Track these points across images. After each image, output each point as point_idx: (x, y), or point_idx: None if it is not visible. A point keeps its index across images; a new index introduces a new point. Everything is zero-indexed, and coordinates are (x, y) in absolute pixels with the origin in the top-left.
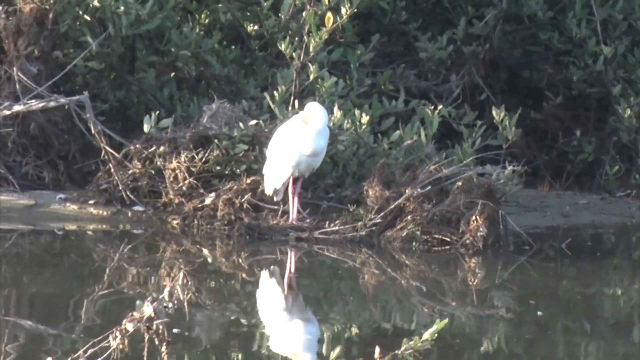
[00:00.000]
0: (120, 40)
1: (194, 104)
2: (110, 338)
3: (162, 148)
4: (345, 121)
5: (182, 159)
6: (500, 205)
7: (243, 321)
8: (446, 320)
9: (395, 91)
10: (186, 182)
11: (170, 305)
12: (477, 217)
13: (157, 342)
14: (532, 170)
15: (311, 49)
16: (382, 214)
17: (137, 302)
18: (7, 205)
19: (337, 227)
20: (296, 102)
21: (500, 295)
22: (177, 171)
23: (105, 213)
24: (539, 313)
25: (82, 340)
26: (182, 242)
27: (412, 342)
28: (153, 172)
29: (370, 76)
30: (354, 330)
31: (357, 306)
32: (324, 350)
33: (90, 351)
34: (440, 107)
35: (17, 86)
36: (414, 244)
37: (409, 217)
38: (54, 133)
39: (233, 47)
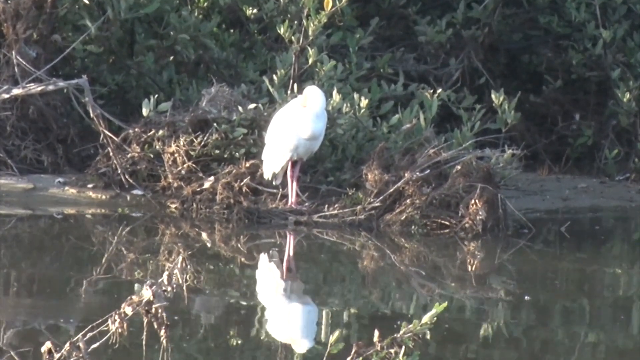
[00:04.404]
0: (119, 24)
1: (193, 88)
2: (110, 322)
3: (161, 132)
4: (344, 105)
5: (181, 143)
6: (499, 189)
7: (242, 305)
8: (445, 304)
9: (394, 75)
10: (185, 165)
11: (169, 289)
12: (476, 201)
13: (155, 326)
14: (531, 154)
15: (310, 32)
16: (381, 197)
17: (136, 285)
18: (6, 189)
19: (336, 211)
20: (295, 85)
21: (499, 278)
22: (176, 155)
23: (104, 197)
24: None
25: (81, 324)
26: (181, 226)
27: (411, 326)
28: (152, 155)
29: (370, 60)
30: (353, 314)
31: (356, 290)
32: (322, 334)
33: (89, 335)
34: (439, 90)
35: (16, 70)
36: (413, 227)
37: (408, 201)
38: (53, 117)
39: (232, 30)
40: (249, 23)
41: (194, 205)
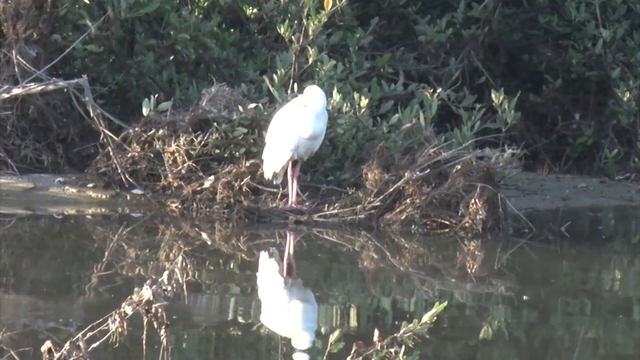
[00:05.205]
0: (119, 24)
1: (193, 87)
2: (110, 321)
3: (161, 131)
4: (345, 104)
5: (181, 142)
6: (499, 189)
7: (242, 305)
8: (445, 303)
9: (394, 74)
10: (185, 165)
11: (169, 288)
12: (477, 200)
13: (155, 326)
14: (531, 153)
15: (310, 32)
16: (381, 197)
17: (135, 289)
18: (6, 189)
19: (336, 210)
20: (295, 85)
21: (499, 278)
22: (176, 154)
23: (104, 196)
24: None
25: (81, 324)
26: (181, 226)
27: (411, 326)
28: (152, 155)
29: (370, 59)
30: (353, 313)
31: (356, 289)
32: (322, 334)
33: (89, 334)
34: (439, 90)
35: (16, 69)
36: (413, 227)
37: (408, 200)
38: (53, 116)
39: (232, 30)
40: (249, 23)
41: (194, 205)
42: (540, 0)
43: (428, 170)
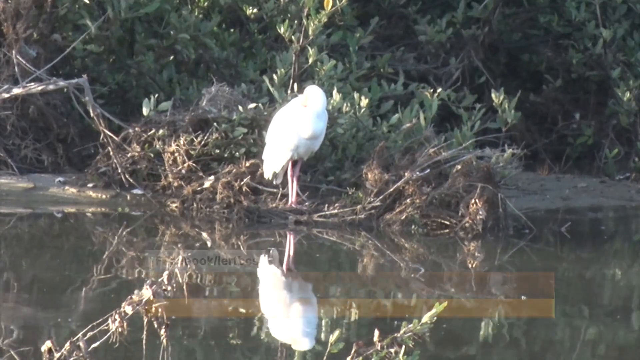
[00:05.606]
0: (119, 23)
1: (193, 87)
2: (110, 321)
3: (161, 131)
4: (345, 104)
5: (181, 142)
6: (499, 189)
7: (241, 305)
8: (445, 304)
9: (394, 74)
10: (185, 165)
11: (169, 288)
12: (477, 201)
13: (155, 326)
14: (531, 153)
15: (310, 32)
16: (381, 197)
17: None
18: (6, 189)
19: (336, 210)
20: (295, 85)
21: (499, 278)
22: (176, 154)
23: (104, 196)
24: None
25: (81, 324)
26: (181, 225)
27: (411, 326)
28: (152, 155)
29: (370, 59)
30: (353, 314)
31: (356, 290)
32: (322, 334)
33: (89, 334)
34: (439, 90)
35: (16, 69)
36: (413, 227)
37: (408, 201)
38: (53, 116)
39: (232, 30)
40: (249, 22)
41: (194, 205)
42: (540, 0)
43: (428, 170)
